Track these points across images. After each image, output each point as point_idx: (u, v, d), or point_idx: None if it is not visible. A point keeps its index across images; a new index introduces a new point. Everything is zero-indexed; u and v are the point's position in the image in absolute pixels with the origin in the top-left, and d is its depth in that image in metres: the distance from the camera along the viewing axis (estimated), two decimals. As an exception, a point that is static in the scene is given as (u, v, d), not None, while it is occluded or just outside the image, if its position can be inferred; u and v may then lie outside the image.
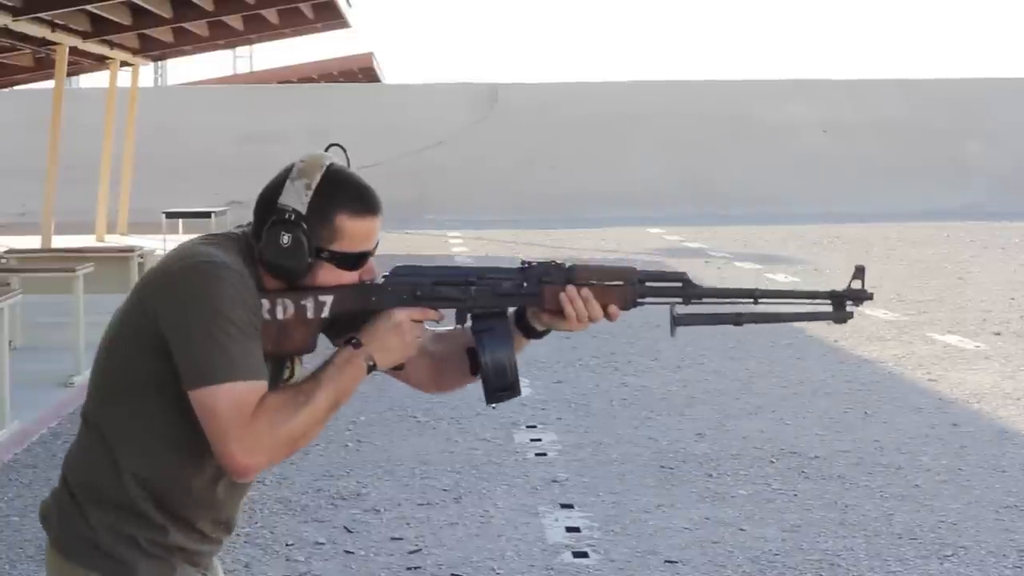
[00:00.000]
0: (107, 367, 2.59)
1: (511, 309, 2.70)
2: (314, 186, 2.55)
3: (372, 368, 2.57)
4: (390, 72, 57.70)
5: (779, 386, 9.54)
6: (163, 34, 21.42)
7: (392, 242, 21.73)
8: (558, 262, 2.68)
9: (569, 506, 6.56)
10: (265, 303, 2.54)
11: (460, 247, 21.51)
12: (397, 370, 2.67)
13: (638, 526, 6.22)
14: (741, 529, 6.16)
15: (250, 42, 29.74)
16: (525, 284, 2.66)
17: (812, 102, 30.63)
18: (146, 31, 20.51)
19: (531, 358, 10.70)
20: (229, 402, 2.42)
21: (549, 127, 29.75)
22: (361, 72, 38.89)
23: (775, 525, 6.21)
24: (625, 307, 2.67)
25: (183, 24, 20.43)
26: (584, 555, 5.81)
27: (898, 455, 7.52)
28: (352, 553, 5.87)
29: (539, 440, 7.94)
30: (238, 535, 6.07)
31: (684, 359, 10.67)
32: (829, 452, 7.58)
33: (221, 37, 22.89)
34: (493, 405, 2.71)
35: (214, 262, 2.48)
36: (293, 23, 22.80)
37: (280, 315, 2.55)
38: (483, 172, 29.42)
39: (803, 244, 21.29)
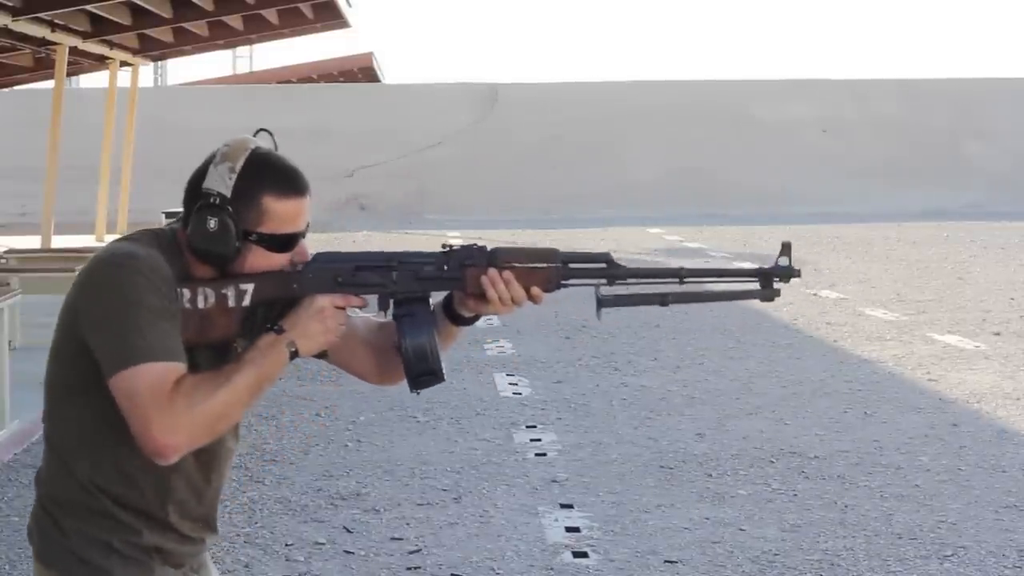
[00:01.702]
0: (49, 379, 2.61)
1: (436, 295, 2.68)
2: (238, 169, 2.54)
3: (295, 355, 2.56)
4: (390, 72, 57.67)
5: (779, 386, 9.53)
6: (163, 34, 21.40)
7: (392, 242, 21.72)
8: (480, 245, 2.66)
9: (569, 506, 6.55)
10: (186, 292, 2.53)
11: (460, 247, 21.47)
12: (320, 357, 2.67)
13: (638, 526, 6.22)
14: (741, 529, 6.16)
15: (250, 42, 29.72)
16: (447, 268, 2.64)
17: (812, 102, 30.62)
18: (146, 31, 20.49)
19: (531, 358, 10.70)
20: (147, 382, 2.41)
21: (549, 127, 29.74)
22: (361, 72, 38.87)
23: (775, 525, 6.21)
24: (548, 289, 2.64)
25: (183, 24, 20.41)
26: (584, 555, 5.81)
27: (898, 455, 7.52)
28: (352, 553, 5.87)
29: (539, 440, 7.94)
30: (237, 535, 6.07)
31: (684, 359, 10.67)
32: (829, 452, 7.58)
33: (221, 37, 22.87)
34: (417, 392, 2.68)
35: (125, 253, 2.50)
36: (293, 23, 22.77)
37: (201, 304, 2.54)
38: (483, 172, 29.40)
39: (803, 244, 21.28)
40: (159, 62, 32.43)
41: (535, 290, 2.63)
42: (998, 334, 11.78)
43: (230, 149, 2.57)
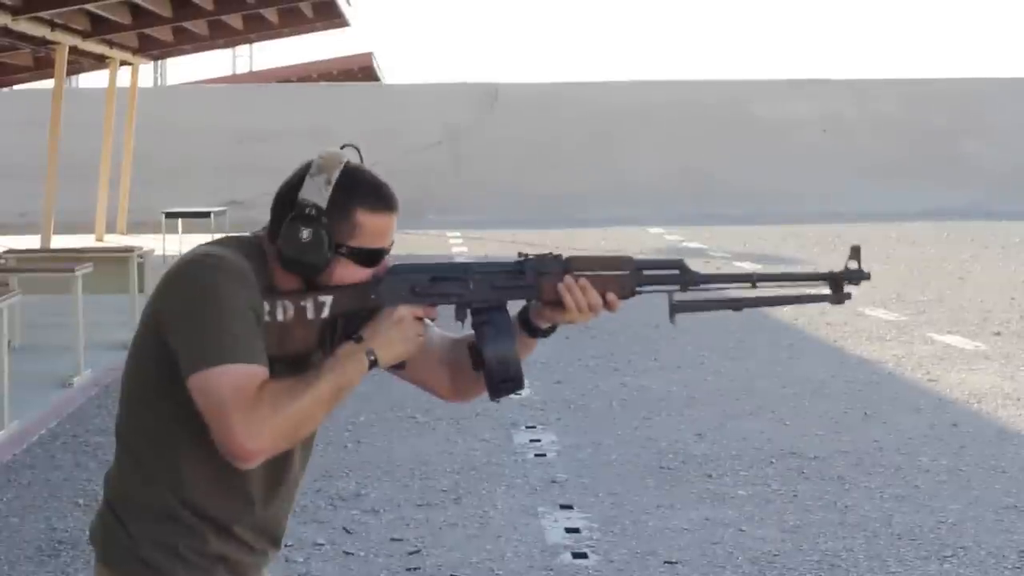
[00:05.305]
0: (127, 378, 2.59)
1: (512, 306, 2.68)
2: (334, 181, 2.53)
3: (374, 364, 2.54)
4: (390, 72, 57.62)
5: (779, 386, 9.53)
6: (163, 34, 21.42)
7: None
8: (555, 254, 2.67)
9: (568, 507, 6.55)
10: (265, 305, 2.51)
11: (460, 247, 21.51)
12: (398, 368, 2.66)
13: (637, 527, 6.22)
14: (741, 530, 6.16)
15: (250, 42, 29.78)
16: (522, 277, 2.65)
17: (812, 101, 30.62)
18: (146, 30, 20.51)
19: (531, 358, 10.67)
20: (231, 384, 2.39)
21: (549, 127, 29.74)
22: (361, 72, 38.87)
23: (775, 525, 6.21)
24: (624, 295, 2.66)
25: (183, 24, 20.44)
26: (584, 556, 5.81)
27: (898, 455, 7.51)
28: (351, 554, 5.87)
29: (538, 441, 7.94)
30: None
31: (684, 359, 10.66)
32: (829, 453, 7.58)
33: (221, 37, 22.90)
34: (497, 400, 2.69)
35: (214, 255, 2.49)
36: (293, 23, 22.81)
37: (280, 317, 2.53)
38: (483, 172, 29.41)
39: (803, 244, 21.29)
40: (159, 62, 32.46)
41: (611, 297, 2.64)
42: (998, 334, 11.78)
43: (324, 161, 2.55)
